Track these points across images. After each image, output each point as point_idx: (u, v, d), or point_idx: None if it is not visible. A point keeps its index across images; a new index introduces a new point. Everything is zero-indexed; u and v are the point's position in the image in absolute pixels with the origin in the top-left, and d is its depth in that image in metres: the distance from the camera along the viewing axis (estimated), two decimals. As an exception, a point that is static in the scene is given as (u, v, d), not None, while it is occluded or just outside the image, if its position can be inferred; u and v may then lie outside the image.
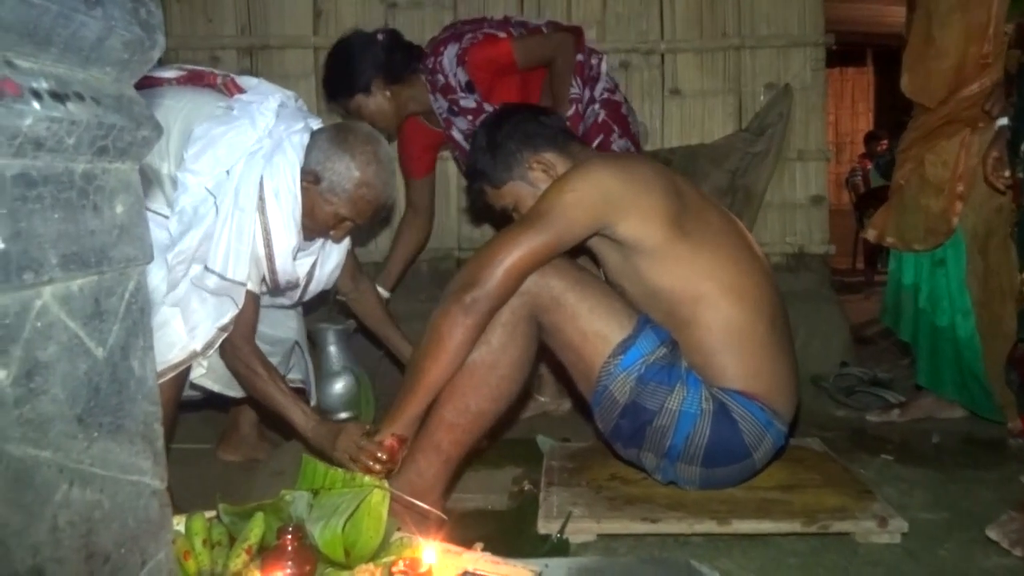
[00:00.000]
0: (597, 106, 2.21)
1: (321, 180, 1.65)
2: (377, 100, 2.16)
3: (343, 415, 2.04)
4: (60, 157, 0.63)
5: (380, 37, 2.18)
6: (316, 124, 1.74)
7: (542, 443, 1.94)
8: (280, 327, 1.96)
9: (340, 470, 1.30)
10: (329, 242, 1.83)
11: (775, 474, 1.60)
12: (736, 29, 2.96)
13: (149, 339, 0.75)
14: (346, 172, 1.65)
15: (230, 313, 1.60)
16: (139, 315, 0.73)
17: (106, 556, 0.67)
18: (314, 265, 1.82)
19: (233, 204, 1.57)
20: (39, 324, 0.60)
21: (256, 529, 1.17)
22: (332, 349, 2.09)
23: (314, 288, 1.87)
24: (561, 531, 1.42)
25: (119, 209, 0.71)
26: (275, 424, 2.10)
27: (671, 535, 1.44)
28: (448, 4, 3.01)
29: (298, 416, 1.60)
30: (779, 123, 2.82)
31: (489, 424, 1.44)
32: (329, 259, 1.86)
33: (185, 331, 1.59)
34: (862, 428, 2.23)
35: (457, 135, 2.24)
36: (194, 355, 1.60)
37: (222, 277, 1.57)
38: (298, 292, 1.84)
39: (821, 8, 2.96)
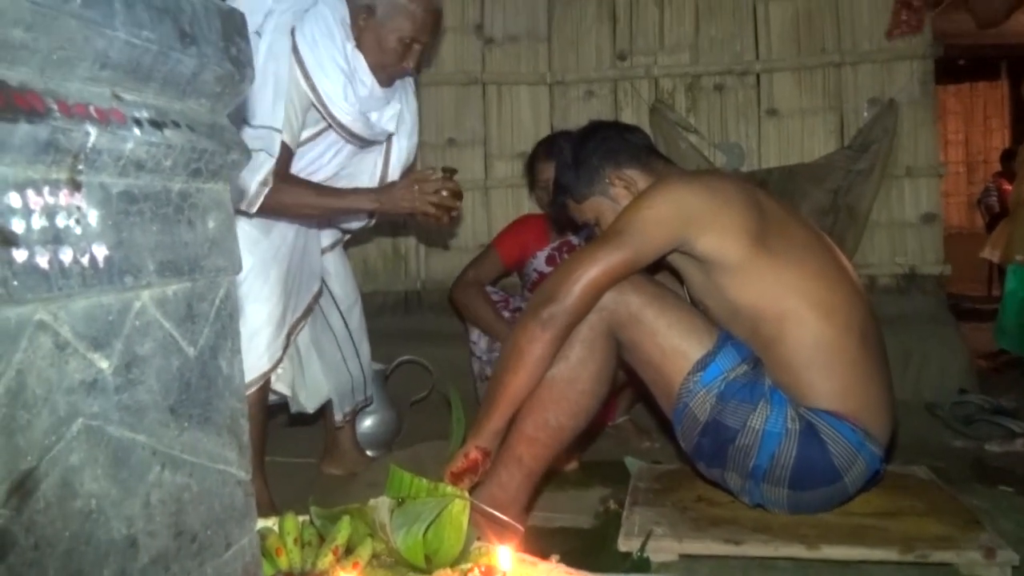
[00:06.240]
0: None
1: (375, 9, 1.72)
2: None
3: (369, 452, 2.19)
4: (158, 177, 0.72)
5: None
6: None
7: (630, 464, 1.93)
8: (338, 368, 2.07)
9: (425, 480, 1.36)
10: (404, 115, 1.90)
11: (872, 500, 1.53)
12: (835, 45, 2.88)
13: (237, 343, 0.83)
14: None
15: (267, 166, 1.64)
16: (228, 320, 0.81)
17: (193, 535, 0.74)
18: (399, 118, 1.89)
19: (266, 57, 1.63)
20: (137, 323, 0.69)
21: (343, 531, 1.24)
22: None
23: (394, 164, 1.95)
24: (642, 549, 1.41)
25: (211, 224, 0.79)
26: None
27: (756, 558, 1.40)
28: (543, 36, 3.09)
29: (357, 197, 1.75)
30: (884, 139, 2.71)
31: (569, 439, 1.45)
32: (401, 136, 1.93)
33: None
34: (981, 459, 2.08)
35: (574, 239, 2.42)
36: (276, 361, 1.73)
37: (254, 126, 1.62)
38: (380, 161, 1.93)
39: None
